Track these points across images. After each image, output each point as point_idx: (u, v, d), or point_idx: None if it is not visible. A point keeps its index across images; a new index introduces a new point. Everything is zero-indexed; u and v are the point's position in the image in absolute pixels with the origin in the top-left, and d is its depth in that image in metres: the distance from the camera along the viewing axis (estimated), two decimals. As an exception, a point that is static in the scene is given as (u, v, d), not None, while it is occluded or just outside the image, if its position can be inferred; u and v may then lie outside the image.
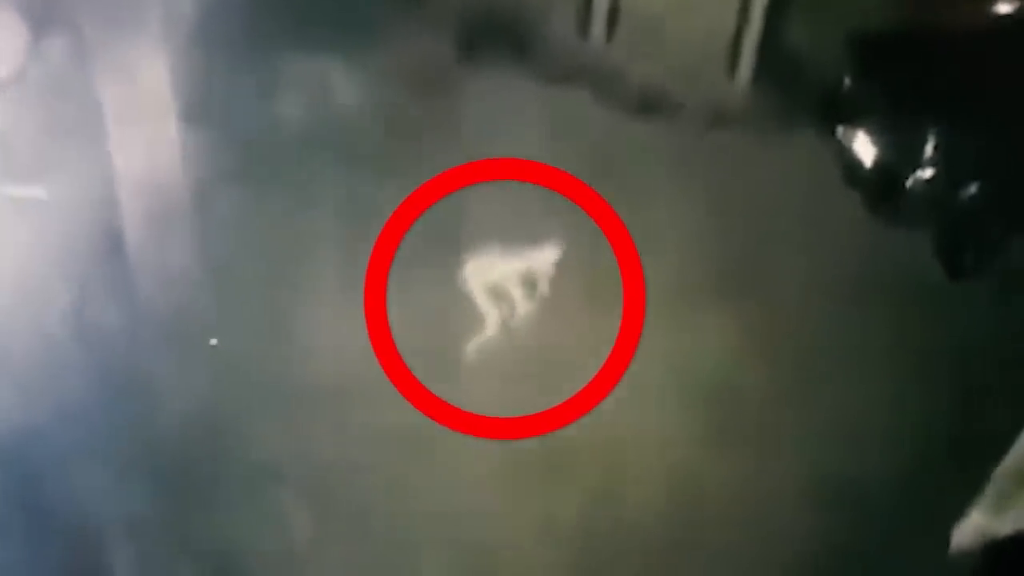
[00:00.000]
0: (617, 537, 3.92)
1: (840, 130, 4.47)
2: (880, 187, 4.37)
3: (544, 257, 4.38)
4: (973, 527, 3.64)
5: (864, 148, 4.42)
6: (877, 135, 4.41)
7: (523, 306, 4.31)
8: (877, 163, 4.39)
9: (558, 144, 4.50)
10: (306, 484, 3.95)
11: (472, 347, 4.24)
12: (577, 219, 4.34)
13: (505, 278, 4.33)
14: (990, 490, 3.64)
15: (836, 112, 4.52)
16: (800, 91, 4.69)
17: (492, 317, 4.29)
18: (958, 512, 3.65)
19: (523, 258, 4.37)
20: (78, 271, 4.23)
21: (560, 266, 4.37)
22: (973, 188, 4.25)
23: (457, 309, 4.30)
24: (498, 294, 4.32)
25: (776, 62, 4.76)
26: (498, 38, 4.69)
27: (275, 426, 4.01)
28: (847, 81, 4.54)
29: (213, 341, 4.19)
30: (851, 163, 4.43)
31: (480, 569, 3.88)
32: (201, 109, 4.53)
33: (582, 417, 4.02)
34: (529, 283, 4.34)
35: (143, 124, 4.51)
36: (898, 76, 4.47)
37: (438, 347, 4.21)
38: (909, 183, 4.32)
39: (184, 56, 4.58)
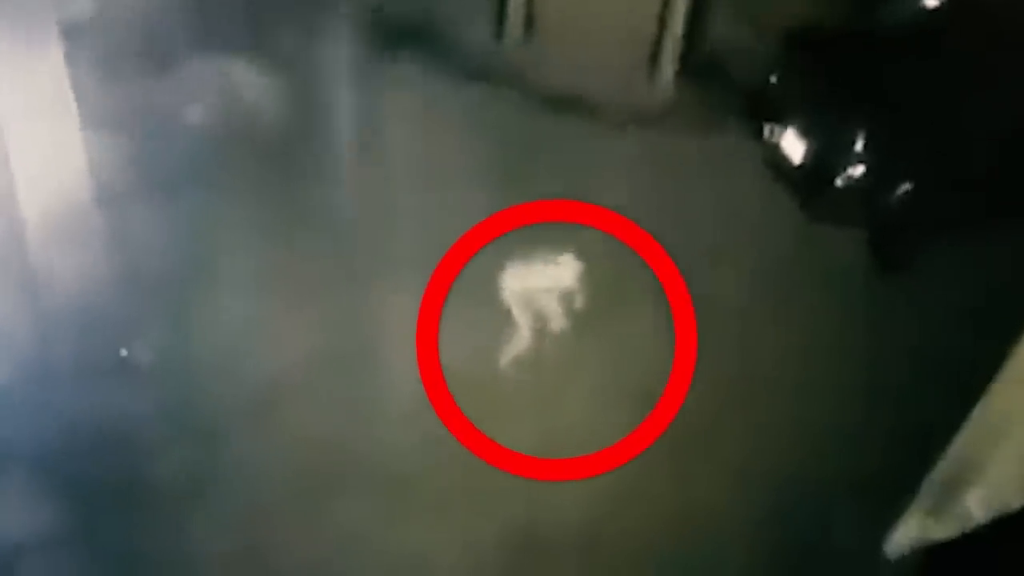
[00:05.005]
0: (555, 549, 3.88)
1: (767, 128, 4.46)
2: (810, 185, 4.38)
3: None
4: (910, 531, 3.68)
5: (792, 146, 4.41)
6: (805, 133, 4.41)
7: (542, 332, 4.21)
8: (806, 161, 4.39)
9: (476, 145, 4.48)
10: (222, 498, 3.87)
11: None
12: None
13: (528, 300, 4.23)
14: (926, 493, 3.68)
15: (763, 111, 4.51)
16: (725, 90, 4.70)
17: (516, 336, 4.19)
18: (897, 514, 3.70)
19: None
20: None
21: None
22: (904, 185, 4.27)
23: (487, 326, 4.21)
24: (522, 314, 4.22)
25: (699, 60, 4.77)
26: (413, 37, 4.64)
27: (191, 439, 3.94)
28: (773, 79, 4.53)
29: (123, 352, 4.09)
30: (780, 161, 4.42)
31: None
32: (105, 113, 4.43)
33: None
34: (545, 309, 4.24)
35: (44, 130, 4.40)
36: (825, 73, 4.48)
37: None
38: (839, 181, 4.32)
39: (86, 60, 4.48)
